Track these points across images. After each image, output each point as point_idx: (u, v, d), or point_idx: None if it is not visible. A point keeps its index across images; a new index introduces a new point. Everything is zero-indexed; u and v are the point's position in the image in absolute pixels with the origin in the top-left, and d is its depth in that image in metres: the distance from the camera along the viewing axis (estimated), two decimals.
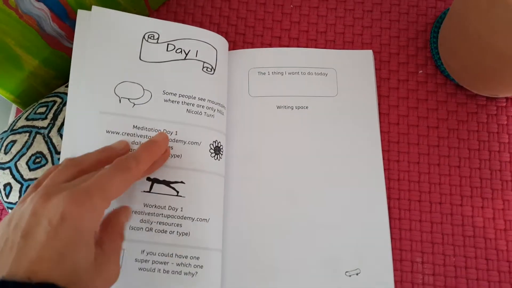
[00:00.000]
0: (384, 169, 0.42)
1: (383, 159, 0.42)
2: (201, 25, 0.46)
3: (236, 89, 0.44)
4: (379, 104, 0.44)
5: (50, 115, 0.38)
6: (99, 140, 0.37)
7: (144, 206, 0.36)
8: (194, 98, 0.40)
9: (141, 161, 0.32)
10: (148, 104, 0.39)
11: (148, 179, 0.37)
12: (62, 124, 0.38)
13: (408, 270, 0.40)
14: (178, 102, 0.39)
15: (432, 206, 0.41)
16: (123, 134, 0.37)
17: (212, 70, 0.42)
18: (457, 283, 0.39)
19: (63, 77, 0.43)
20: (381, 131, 0.43)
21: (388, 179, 0.42)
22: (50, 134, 0.38)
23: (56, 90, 0.41)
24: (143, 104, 0.39)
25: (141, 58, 0.40)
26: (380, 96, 0.44)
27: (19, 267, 0.25)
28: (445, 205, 0.41)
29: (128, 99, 0.38)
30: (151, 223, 0.36)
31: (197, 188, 0.38)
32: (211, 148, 0.39)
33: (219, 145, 0.40)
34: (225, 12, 0.47)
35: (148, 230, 0.36)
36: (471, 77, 0.41)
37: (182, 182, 0.37)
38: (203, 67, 0.41)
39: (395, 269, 0.40)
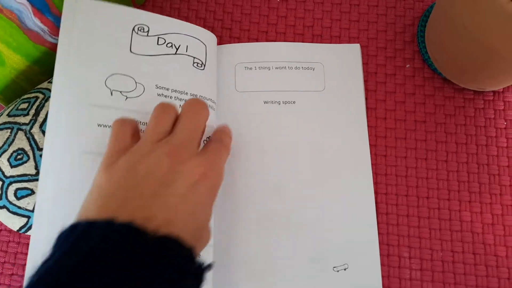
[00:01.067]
0: (372, 164, 0.42)
1: (370, 153, 0.42)
2: (187, 19, 0.46)
3: (223, 84, 0.43)
4: (366, 99, 0.43)
5: (32, 111, 0.38)
6: (90, 133, 0.36)
7: None
8: (186, 93, 0.40)
9: (229, 144, 0.37)
10: (141, 98, 0.38)
11: None
12: (45, 120, 0.37)
13: (395, 265, 0.40)
14: (171, 97, 0.39)
15: (419, 200, 0.41)
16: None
17: (203, 65, 0.41)
18: (444, 277, 0.39)
19: (47, 73, 0.43)
20: (368, 126, 0.43)
21: (375, 174, 0.42)
22: (32, 131, 0.37)
23: (39, 86, 0.40)
24: (136, 98, 0.38)
25: (132, 50, 0.39)
26: (367, 91, 0.44)
27: (158, 213, 0.27)
28: (433, 200, 0.41)
29: (120, 92, 0.37)
30: None
31: None
32: (204, 144, 0.39)
33: None
34: (211, 7, 0.47)
35: None
36: (458, 71, 0.41)
37: None
38: (194, 63, 0.41)
39: (382, 264, 0.39)
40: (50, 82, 0.40)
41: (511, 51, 0.32)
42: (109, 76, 0.37)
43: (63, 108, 0.36)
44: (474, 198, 0.41)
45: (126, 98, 0.37)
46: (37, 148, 0.37)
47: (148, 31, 0.40)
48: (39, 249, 0.27)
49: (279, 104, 0.43)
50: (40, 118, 0.37)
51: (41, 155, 0.37)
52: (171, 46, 0.40)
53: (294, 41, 0.45)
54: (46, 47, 0.41)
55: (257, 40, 0.46)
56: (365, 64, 0.44)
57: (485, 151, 0.42)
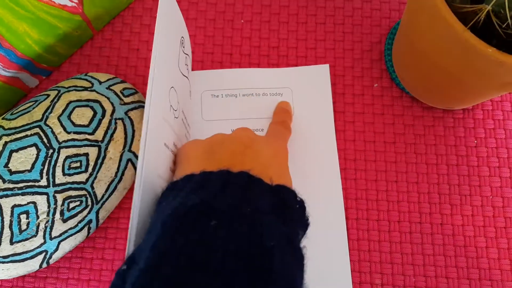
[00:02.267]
0: (342, 189, 0.41)
1: (340, 177, 0.41)
2: (148, 44, 0.45)
3: (189, 113, 0.42)
4: (334, 121, 0.42)
5: None
6: (159, 156, 0.31)
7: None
8: (188, 125, 0.39)
9: (290, 124, 0.41)
10: (177, 120, 0.35)
11: None
12: None
13: None
14: (185, 125, 0.37)
15: (390, 225, 0.40)
16: (171, 150, 0.33)
17: (190, 92, 0.40)
18: None
19: (2, 106, 0.41)
20: (337, 149, 0.42)
21: (345, 198, 0.41)
22: None
23: None
24: (177, 119, 0.35)
25: (179, 66, 0.36)
26: (335, 112, 0.43)
27: (252, 168, 0.28)
28: (404, 224, 0.40)
29: (174, 109, 0.34)
30: None
31: None
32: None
33: None
34: None
35: None
36: (424, 91, 0.40)
37: None
38: (189, 91, 0.39)
39: None
40: (4, 119, 0.38)
41: (471, 77, 0.31)
42: (170, 88, 0.33)
43: (150, 122, 0.29)
44: (446, 220, 0.40)
45: (175, 117, 0.34)
46: None
47: (184, 47, 0.37)
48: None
49: None
50: None
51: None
52: (187, 68, 0.39)
53: (259, 63, 0.44)
54: (0, 81, 0.39)
55: (221, 63, 0.44)
56: (332, 84, 0.43)
57: (456, 171, 0.41)
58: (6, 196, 0.36)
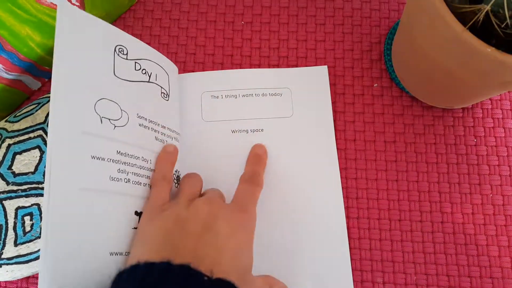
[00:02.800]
0: (342, 188, 0.41)
1: (341, 177, 0.41)
2: (149, 46, 0.45)
3: (189, 114, 0.42)
4: (334, 121, 0.43)
5: None
6: (84, 167, 0.32)
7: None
8: (158, 125, 0.38)
9: (262, 176, 0.40)
10: (127, 128, 0.35)
11: (136, 213, 0.35)
12: (1, 162, 0.36)
13: None
14: (148, 128, 0.37)
15: (391, 223, 0.40)
16: (108, 160, 0.33)
17: (167, 96, 0.40)
18: None
19: (5, 109, 0.42)
20: (337, 148, 0.42)
21: (346, 197, 0.41)
22: None
23: None
24: (122, 127, 0.35)
25: (115, 73, 0.36)
26: (335, 112, 0.43)
27: (206, 255, 0.30)
28: (405, 222, 0.40)
29: (109, 119, 0.34)
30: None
31: None
32: (174, 179, 0.38)
33: (179, 175, 0.39)
34: (174, 32, 0.45)
35: None
36: (424, 91, 0.40)
37: None
38: (161, 93, 0.40)
39: None
40: (7, 121, 0.38)
41: (470, 76, 0.32)
42: (97, 100, 0.34)
43: (58, 138, 0.31)
44: (447, 219, 0.40)
45: (114, 127, 0.35)
46: None
47: (127, 54, 0.37)
48: None
49: (247, 132, 0.42)
50: None
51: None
52: (145, 73, 0.38)
53: (259, 63, 0.45)
54: (2, 84, 0.40)
55: (222, 64, 0.45)
56: (332, 85, 0.44)
57: (456, 169, 0.41)
58: (10, 198, 0.36)
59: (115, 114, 0.35)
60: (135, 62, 0.38)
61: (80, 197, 0.31)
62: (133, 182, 0.35)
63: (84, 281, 0.30)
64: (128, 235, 0.34)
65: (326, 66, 0.44)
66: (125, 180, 0.34)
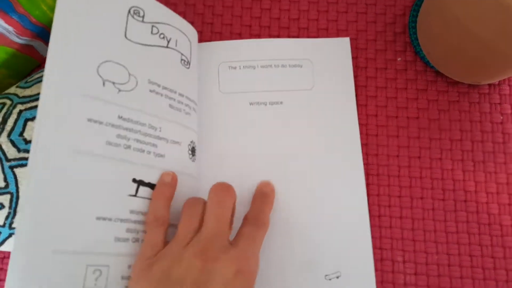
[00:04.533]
0: (363, 164, 0.40)
1: (362, 153, 0.40)
2: None
3: (206, 85, 0.41)
4: (356, 95, 0.41)
5: (0, 119, 0.35)
6: (78, 130, 0.31)
7: (130, 212, 0.33)
8: (175, 92, 0.37)
9: (267, 216, 0.35)
10: (134, 92, 0.34)
11: (134, 180, 0.33)
12: (13, 129, 0.35)
13: (389, 270, 0.38)
14: (161, 95, 0.36)
15: (413, 201, 0.39)
16: (107, 124, 0.32)
17: (188, 64, 0.39)
18: (440, 282, 0.37)
19: (15, 76, 0.40)
20: (359, 124, 0.41)
21: (366, 174, 0.40)
22: None
23: (5, 92, 0.37)
24: (129, 92, 0.34)
25: (127, 36, 0.35)
26: (357, 87, 0.41)
27: None
28: (427, 200, 0.39)
29: (113, 83, 0.33)
30: (138, 232, 0.34)
31: (177, 192, 0.35)
32: (189, 149, 0.37)
33: (194, 146, 0.38)
34: (191, 1, 0.44)
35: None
36: (452, 64, 0.39)
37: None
38: (181, 60, 0.38)
39: (375, 270, 0.38)
40: (19, 87, 0.37)
41: (506, 44, 0.30)
42: (102, 62, 0.33)
43: (53, 98, 0.30)
44: (470, 197, 0.39)
45: (119, 91, 0.33)
46: (5, 159, 0.34)
47: (143, 17, 0.36)
48: (21, 264, 0.27)
49: (266, 105, 0.40)
50: (8, 127, 0.35)
51: (9, 166, 0.34)
52: (163, 37, 0.37)
53: (279, 35, 0.43)
54: (14, 49, 0.38)
55: (240, 35, 0.43)
56: (354, 58, 0.42)
57: (480, 147, 0.40)
58: (21, 165, 0.35)
59: (122, 77, 0.34)
60: (152, 26, 0.36)
61: (70, 160, 0.30)
62: (134, 149, 0.34)
63: (64, 245, 0.30)
64: (122, 201, 0.33)
65: (348, 38, 0.42)
66: (125, 146, 0.33)
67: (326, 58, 0.41)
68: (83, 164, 0.31)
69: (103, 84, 0.33)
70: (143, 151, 0.34)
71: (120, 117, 0.33)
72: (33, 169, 0.29)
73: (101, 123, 0.32)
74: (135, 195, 0.33)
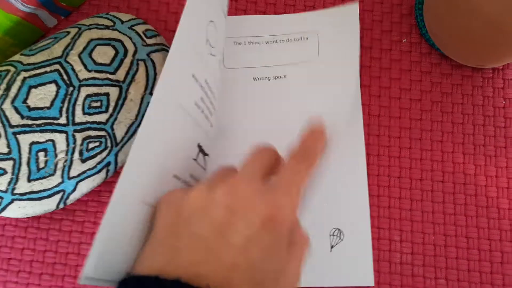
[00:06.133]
0: (364, 144, 0.40)
1: (364, 133, 0.40)
2: None
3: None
4: (360, 76, 0.41)
5: (3, 86, 0.35)
6: (183, 85, 0.29)
7: (190, 176, 0.33)
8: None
9: (319, 153, 0.29)
10: (215, 58, 0.34)
11: (198, 145, 0.33)
12: (16, 95, 0.35)
13: (385, 249, 0.38)
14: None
15: (412, 182, 0.39)
16: (199, 85, 0.31)
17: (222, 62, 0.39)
18: (436, 261, 0.38)
19: (20, 44, 0.40)
20: (361, 104, 0.41)
21: (367, 154, 0.40)
22: (2, 107, 0.35)
23: (10, 59, 0.37)
24: (214, 57, 0.33)
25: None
26: (361, 67, 0.41)
27: (211, 271, 0.23)
28: (426, 182, 0.39)
29: (210, 44, 0.31)
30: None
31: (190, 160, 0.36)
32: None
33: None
34: None
35: None
36: (458, 46, 0.39)
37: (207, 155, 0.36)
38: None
39: (372, 248, 0.38)
40: (23, 55, 0.37)
41: None
42: (209, 21, 0.32)
43: (177, 50, 0.28)
44: (469, 180, 0.39)
45: (211, 54, 0.33)
46: (8, 125, 0.35)
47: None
48: (118, 214, 0.25)
49: (269, 80, 0.40)
50: (12, 94, 0.35)
51: (13, 133, 0.34)
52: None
53: (284, 12, 0.43)
54: (19, 17, 0.38)
55: (245, 11, 0.43)
56: (359, 38, 0.42)
57: (482, 131, 0.40)
58: (24, 132, 0.35)
59: (214, 42, 0.33)
60: None
61: (175, 112, 0.29)
62: (205, 115, 0.34)
63: (149, 199, 0.28)
64: (188, 163, 0.32)
65: (357, 4, 0.42)
66: (201, 110, 0.33)
67: (333, 27, 0.41)
68: (179, 118, 0.30)
69: (206, 42, 0.32)
70: (208, 118, 0.35)
71: (206, 81, 0.33)
72: (147, 118, 0.27)
73: (197, 81, 0.31)
74: (195, 160, 0.33)
